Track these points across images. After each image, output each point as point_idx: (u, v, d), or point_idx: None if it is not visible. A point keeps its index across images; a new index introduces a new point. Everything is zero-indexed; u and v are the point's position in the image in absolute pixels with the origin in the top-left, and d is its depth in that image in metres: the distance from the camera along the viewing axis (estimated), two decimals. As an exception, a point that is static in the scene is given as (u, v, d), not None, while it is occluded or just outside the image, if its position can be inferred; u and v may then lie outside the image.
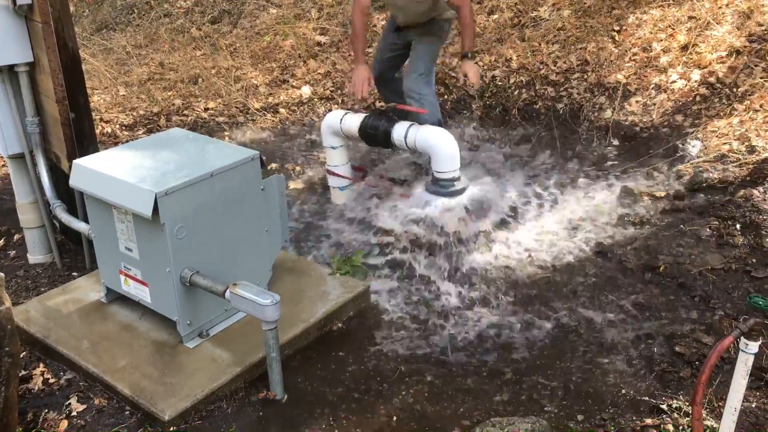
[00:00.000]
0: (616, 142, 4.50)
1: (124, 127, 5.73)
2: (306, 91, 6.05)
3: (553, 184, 4.10)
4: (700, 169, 3.97)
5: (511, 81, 5.29)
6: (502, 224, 3.76)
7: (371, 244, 3.68)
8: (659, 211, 3.70)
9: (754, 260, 3.20)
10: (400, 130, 3.89)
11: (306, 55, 6.68)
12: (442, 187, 3.80)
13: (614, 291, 3.17)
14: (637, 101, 4.71)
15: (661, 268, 3.24)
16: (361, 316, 3.10)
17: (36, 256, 3.73)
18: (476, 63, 4.74)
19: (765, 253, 3.23)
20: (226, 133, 5.44)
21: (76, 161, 2.78)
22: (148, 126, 5.73)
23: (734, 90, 4.47)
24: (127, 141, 5.45)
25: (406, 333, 3.00)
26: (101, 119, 5.85)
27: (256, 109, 5.80)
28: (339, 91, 5.92)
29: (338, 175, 4.26)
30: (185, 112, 5.89)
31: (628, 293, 3.13)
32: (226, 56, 6.94)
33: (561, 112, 4.91)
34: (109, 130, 5.65)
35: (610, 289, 3.18)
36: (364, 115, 4.07)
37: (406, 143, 3.87)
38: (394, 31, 4.23)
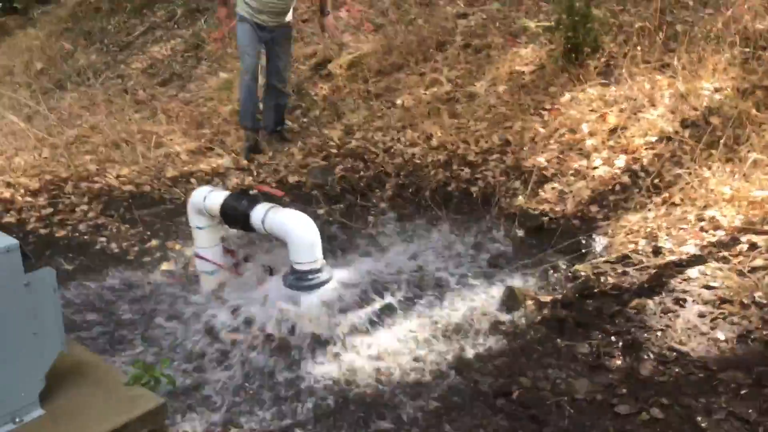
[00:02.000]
0: (520, 233, 4.03)
1: (28, 192, 5.40)
2: (226, 161, 5.69)
3: (438, 280, 3.63)
4: (599, 270, 3.48)
5: (429, 159, 4.87)
6: (367, 324, 3.28)
7: (206, 345, 3.23)
8: (539, 321, 3.20)
9: (624, 390, 2.68)
10: (258, 213, 3.48)
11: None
12: (299, 279, 3.36)
13: (454, 420, 2.66)
14: (553, 188, 4.26)
15: (515, 395, 2.73)
16: (150, 440, 2.62)
17: None
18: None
19: (638, 382, 2.71)
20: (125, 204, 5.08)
21: None
22: (53, 192, 5.39)
23: (657, 181, 4.01)
24: (26, 208, 5.12)
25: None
26: (6, 183, 5.54)
27: (167, 178, 5.44)
28: (257, 162, 5.55)
29: (205, 259, 3.84)
30: (96, 178, 5.55)
31: (470, 426, 2.62)
32: (161, 121, 6.65)
33: (474, 196, 4.46)
34: (8, 195, 5.32)
35: (450, 417, 2.68)
36: (228, 193, 3.68)
37: (264, 227, 3.46)
38: None
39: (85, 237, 4.62)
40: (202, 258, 3.86)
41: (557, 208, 4.10)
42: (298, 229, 3.34)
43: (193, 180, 5.41)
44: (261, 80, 5.69)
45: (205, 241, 3.83)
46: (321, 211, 4.66)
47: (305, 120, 6.15)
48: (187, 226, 4.55)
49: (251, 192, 3.64)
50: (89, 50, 9.29)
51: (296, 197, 4.88)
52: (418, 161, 4.93)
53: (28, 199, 5.29)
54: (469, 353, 3.04)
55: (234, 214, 3.58)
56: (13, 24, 11.55)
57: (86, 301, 3.78)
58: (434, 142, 5.01)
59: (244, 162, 5.56)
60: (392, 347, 3.13)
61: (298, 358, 3.11)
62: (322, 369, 3.02)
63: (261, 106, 5.75)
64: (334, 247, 4.06)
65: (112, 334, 3.46)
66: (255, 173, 5.39)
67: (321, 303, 3.32)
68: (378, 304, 3.35)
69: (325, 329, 3.24)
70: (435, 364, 2.99)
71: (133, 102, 7.42)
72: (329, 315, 3.28)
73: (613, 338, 2.98)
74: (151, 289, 3.85)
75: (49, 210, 5.06)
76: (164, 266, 4.14)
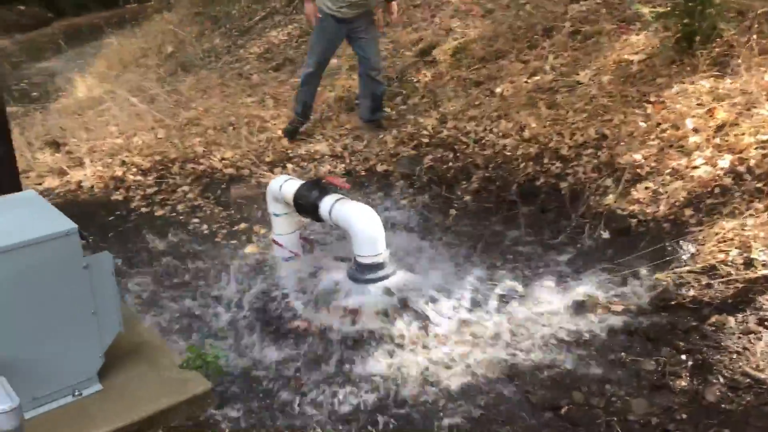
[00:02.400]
0: (605, 235, 3.80)
1: (139, 171, 5.72)
2: (322, 147, 5.76)
3: (511, 280, 3.49)
4: (681, 280, 3.21)
5: (519, 152, 4.70)
6: (423, 324, 3.21)
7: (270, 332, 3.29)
8: (607, 331, 3.01)
9: (684, 416, 2.47)
10: (326, 204, 3.49)
11: (343, 109, 6.42)
12: (360, 272, 3.34)
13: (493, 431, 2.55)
14: (646, 188, 3.98)
15: (564, 410, 2.58)
16: (197, 425, 2.70)
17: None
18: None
19: (702, 408, 2.49)
20: (223, 187, 5.27)
21: None
22: (161, 172, 5.67)
23: (762, 184, 3.64)
24: (134, 187, 5.42)
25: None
26: (122, 162, 5.89)
27: (265, 163, 5.58)
28: (351, 149, 5.58)
29: (281, 245, 3.91)
30: (201, 160, 5.79)
31: (510, 438, 2.51)
32: (268, 105, 6.83)
33: (562, 192, 4.26)
34: (120, 173, 5.66)
35: (490, 428, 2.57)
36: (301, 183, 3.71)
37: (330, 218, 3.47)
38: None
39: (181, 217, 4.83)
40: (278, 244, 3.92)
41: (648, 210, 3.82)
42: (360, 223, 3.32)
43: (289, 165, 5.52)
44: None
45: (282, 228, 3.89)
46: (404, 202, 4.61)
47: (404, 107, 6.11)
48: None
49: (323, 182, 3.65)
50: (213, 34, 9.68)
51: (381, 186, 4.87)
52: (509, 153, 4.76)
53: (138, 177, 5.60)
54: (526, 361, 2.91)
55: (305, 204, 3.60)
56: (151, 9, 12.25)
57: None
58: (527, 134, 4.82)
59: (339, 149, 5.61)
60: (446, 349, 3.05)
61: (353, 350, 3.09)
62: (373, 365, 2.99)
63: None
64: (411, 241, 4.01)
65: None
66: (348, 161, 5.43)
67: (382, 297, 3.29)
68: (437, 304, 3.26)
69: (383, 324, 3.21)
70: (488, 370, 2.88)
71: (246, 86, 7.66)
72: (388, 310, 3.24)
73: (682, 357, 2.75)
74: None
75: (154, 189, 5.33)
76: (248, 249, 4.25)
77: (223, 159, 5.77)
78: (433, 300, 3.28)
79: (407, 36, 7.18)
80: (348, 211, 3.39)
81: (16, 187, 3.70)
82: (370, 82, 5.64)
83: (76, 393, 2.69)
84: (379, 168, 5.11)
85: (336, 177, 3.80)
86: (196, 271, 3.97)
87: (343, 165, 5.37)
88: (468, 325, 3.19)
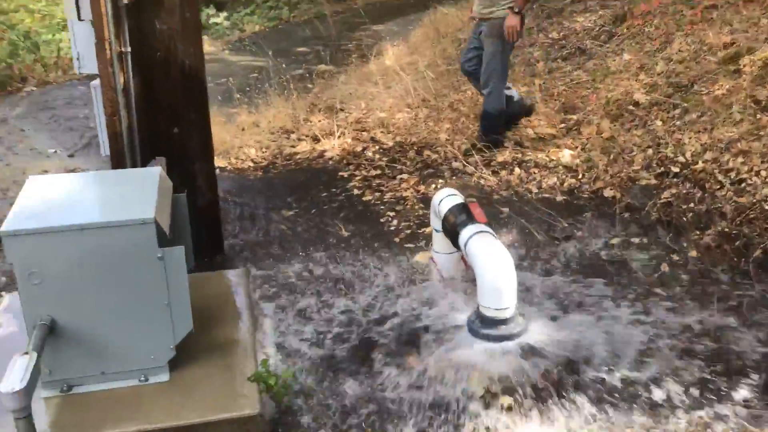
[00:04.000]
0: None
1: (379, 151, 5.69)
2: (565, 154, 5.13)
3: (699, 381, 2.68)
4: None
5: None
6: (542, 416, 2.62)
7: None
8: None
9: None
10: (465, 234, 3.03)
11: (606, 114, 5.65)
12: (480, 324, 2.84)
13: None
14: None
15: None
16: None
17: None
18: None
19: None
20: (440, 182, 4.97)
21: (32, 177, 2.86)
22: (396, 155, 5.58)
23: None
24: (363, 165, 5.40)
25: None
26: (371, 138, 5.92)
27: (490, 165, 5.15)
28: (590, 164, 4.85)
29: (434, 262, 3.54)
30: (438, 148, 5.57)
31: None
32: (535, 99, 6.30)
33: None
34: (360, 149, 5.68)
35: None
36: (457, 203, 3.27)
37: (465, 251, 3.00)
38: None
39: (381, 207, 4.66)
40: (433, 262, 3.56)
41: None
42: (487, 267, 2.81)
43: (517, 170, 5.01)
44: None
45: (440, 246, 3.50)
46: (615, 241, 3.86)
47: (677, 123, 5.12)
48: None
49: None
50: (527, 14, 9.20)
51: (596, 215, 4.14)
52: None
53: (374, 156, 5.57)
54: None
55: (448, 227, 3.19)
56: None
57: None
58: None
59: (579, 161, 4.93)
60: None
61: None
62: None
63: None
64: (594, 289, 3.33)
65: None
66: (580, 176, 4.74)
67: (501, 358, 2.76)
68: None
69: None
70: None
71: (527, 74, 7.16)
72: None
73: None
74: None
75: (377, 172, 5.24)
76: (417, 257, 3.93)
77: (456, 150, 5.46)
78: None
79: (717, 37, 5.99)
80: (478, 250, 2.89)
81: (207, 155, 3.86)
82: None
83: (142, 378, 2.70)
84: (607, 193, 4.35)
85: (476, 205, 3.27)
86: (345, 271, 3.77)
87: (573, 180, 4.70)
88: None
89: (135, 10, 3.43)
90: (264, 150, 5.84)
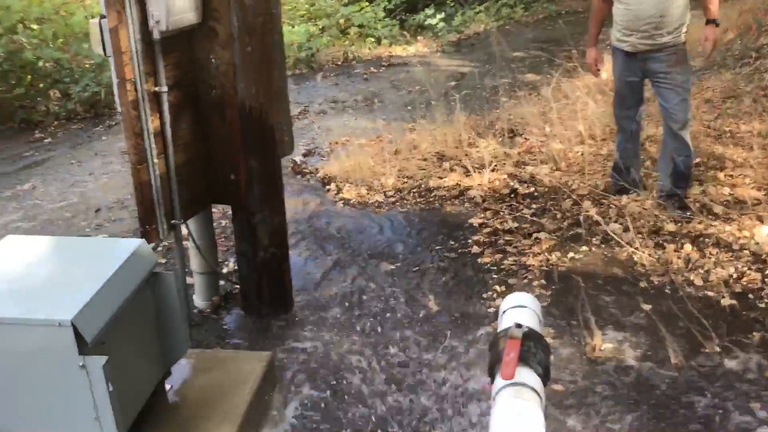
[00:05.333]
0: None
1: (532, 194, 4.82)
2: (763, 232, 3.87)
3: None
4: None
5: None
6: None
7: None
8: None
9: None
10: (498, 383, 2.18)
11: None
12: None
13: None
14: None
15: None
16: None
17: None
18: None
19: None
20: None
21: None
22: (546, 203, 4.66)
23: None
24: (503, 212, 4.60)
25: None
26: (530, 174, 5.05)
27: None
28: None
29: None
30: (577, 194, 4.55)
31: None
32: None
33: None
34: (512, 185, 4.84)
35: None
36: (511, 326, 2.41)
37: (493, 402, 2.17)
38: None
39: (493, 278, 3.85)
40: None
41: None
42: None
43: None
44: None
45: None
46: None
47: None
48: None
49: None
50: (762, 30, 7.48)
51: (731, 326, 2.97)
52: None
53: (524, 201, 4.72)
54: None
55: (490, 360, 2.34)
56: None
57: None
58: None
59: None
60: None
61: None
62: None
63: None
64: None
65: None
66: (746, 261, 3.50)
67: None
68: None
69: None
70: None
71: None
72: None
73: None
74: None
75: (513, 225, 4.39)
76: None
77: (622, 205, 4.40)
78: None
79: None
80: (497, 413, 2.04)
81: (272, 206, 3.38)
82: (669, 138, 4.23)
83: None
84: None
85: (515, 345, 2.32)
86: (396, 374, 3.08)
87: (757, 275, 3.48)
88: None
89: (185, 42, 3.03)
90: (404, 180, 5.22)
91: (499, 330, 2.39)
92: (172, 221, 3.11)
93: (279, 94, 3.50)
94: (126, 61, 2.74)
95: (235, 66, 3.09)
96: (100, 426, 2.20)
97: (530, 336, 2.34)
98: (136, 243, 2.48)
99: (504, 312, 2.52)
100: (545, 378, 2.28)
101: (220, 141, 3.23)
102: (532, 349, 2.27)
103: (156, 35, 2.81)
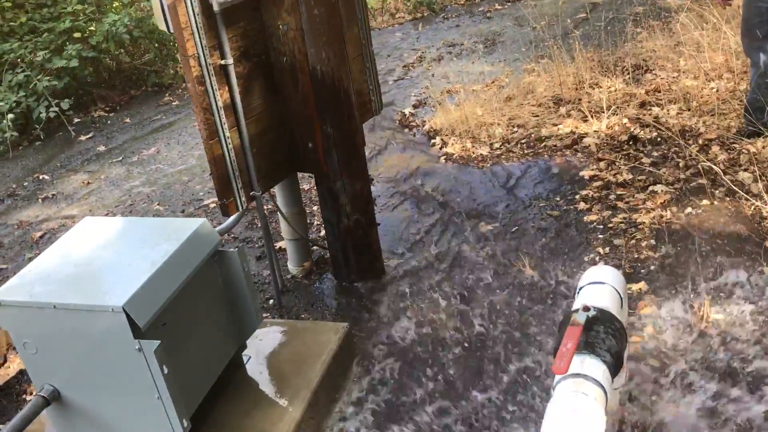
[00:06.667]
0: None
1: (652, 139, 4.42)
2: None
3: None
4: None
5: None
6: None
7: None
8: None
9: None
10: (557, 379, 2.01)
11: None
12: None
13: None
14: None
15: None
16: None
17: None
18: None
19: None
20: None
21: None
22: (670, 149, 4.25)
23: None
24: (620, 162, 4.26)
25: None
26: (656, 117, 4.62)
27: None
28: None
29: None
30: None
31: None
32: None
33: None
34: (633, 131, 4.46)
35: None
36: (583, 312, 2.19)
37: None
38: None
39: (599, 237, 3.56)
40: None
41: None
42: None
43: (745, 173, 3.38)
44: None
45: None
46: None
47: None
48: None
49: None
50: None
51: None
52: None
53: (644, 148, 4.32)
54: None
55: (556, 338, 2.15)
56: None
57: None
58: None
59: None
60: None
61: None
62: None
63: None
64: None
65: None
66: None
67: None
68: None
69: None
70: None
71: None
72: None
73: None
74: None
75: (626, 177, 4.03)
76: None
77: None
78: None
79: None
80: (550, 411, 1.87)
81: (352, 172, 3.28)
82: None
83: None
84: None
85: (574, 334, 2.04)
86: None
87: None
88: None
89: (250, 10, 2.96)
90: (514, 130, 4.94)
91: (573, 309, 2.20)
92: (252, 192, 3.10)
93: (360, 55, 3.37)
94: (187, 36, 2.71)
95: (303, 31, 2.98)
96: (163, 405, 2.25)
97: (600, 319, 2.14)
98: (197, 223, 2.49)
99: (580, 289, 2.34)
100: (616, 367, 2.07)
101: (295, 109, 3.15)
102: (600, 334, 2.09)
103: (216, 7, 2.75)
